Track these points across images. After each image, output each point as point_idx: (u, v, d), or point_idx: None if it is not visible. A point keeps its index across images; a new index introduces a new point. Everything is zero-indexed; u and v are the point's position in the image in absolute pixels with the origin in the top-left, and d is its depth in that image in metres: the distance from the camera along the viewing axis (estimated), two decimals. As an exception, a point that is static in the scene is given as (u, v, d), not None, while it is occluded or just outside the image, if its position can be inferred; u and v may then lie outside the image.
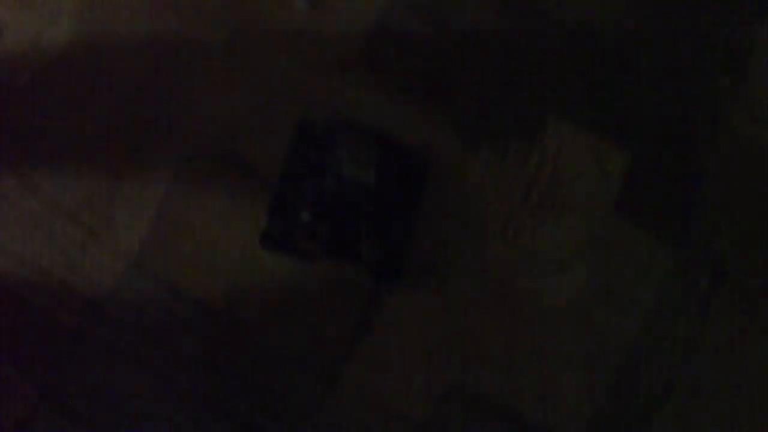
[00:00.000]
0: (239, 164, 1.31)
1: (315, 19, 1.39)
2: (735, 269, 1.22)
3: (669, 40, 1.36)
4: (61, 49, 1.42)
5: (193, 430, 1.20)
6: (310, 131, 1.27)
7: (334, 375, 1.19)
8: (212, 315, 1.23)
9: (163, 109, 1.37)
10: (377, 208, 1.20)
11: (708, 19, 1.36)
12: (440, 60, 1.36)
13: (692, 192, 1.26)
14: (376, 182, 1.20)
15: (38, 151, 1.35)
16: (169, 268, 1.26)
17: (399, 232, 1.21)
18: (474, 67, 1.35)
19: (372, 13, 1.39)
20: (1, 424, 1.20)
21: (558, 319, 1.21)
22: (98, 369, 1.23)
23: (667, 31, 1.36)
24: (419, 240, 1.25)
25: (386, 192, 1.21)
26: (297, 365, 1.20)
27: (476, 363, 1.19)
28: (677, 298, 1.21)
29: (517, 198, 1.26)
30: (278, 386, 1.20)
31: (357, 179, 1.20)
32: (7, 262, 1.29)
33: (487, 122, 1.30)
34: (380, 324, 1.21)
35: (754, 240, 1.24)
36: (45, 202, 1.31)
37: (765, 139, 1.28)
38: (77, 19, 1.44)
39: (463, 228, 1.25)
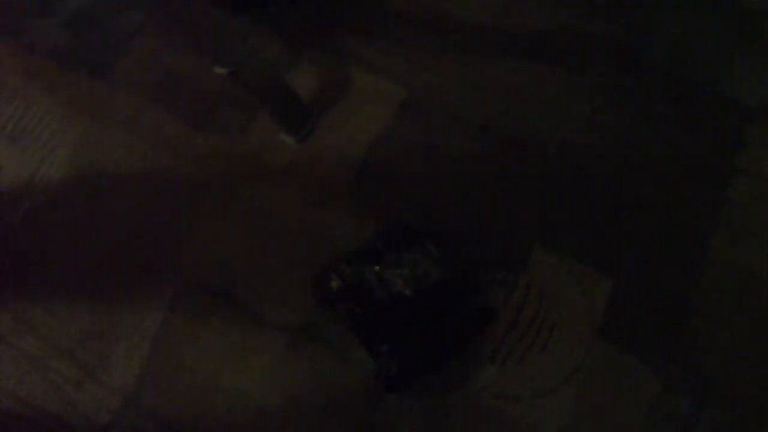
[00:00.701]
0: (232, 300, 1.33)
1: (304, 154, 1.43)
2: (720, 391, 1.24)
3: (652, 166, 1.40)
4: (55, 187, 1.44)
5: None
6: (403, 226, 1.30)
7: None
8: (206, 449, 1.24)
9: (156, 245, 1.39)
10: (411, 321, 1.22)
11: (689, 146, 1.41)
12: (426, 192, 1.40)
13: (676, 316, 1.29)
14: (413, 299, 1.22)
15: (33, 288, 1.37)
16: (163, 403, 1.27)
17: (421, 355, 1.22)
18: (459, 199, 1.39)
19: (359, 148, 1.43)
20: None
21: (547, 443, 1.23)
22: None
23: (650, 157, 1.41)
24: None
25: (433, 315, 1.23)
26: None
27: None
28: (664, 421, 1.23)
29: (505, 325, 1.28)
30: None
31: (392, 285, 1.23)
32: (2, 398, 1.30)
33: (473, 252, 1.33)
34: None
35: (738, 362, 1.26)
36: (40, 340, 1.32)
37: (746, 262, 1.32)
38: (71, 158, 1.47)
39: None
